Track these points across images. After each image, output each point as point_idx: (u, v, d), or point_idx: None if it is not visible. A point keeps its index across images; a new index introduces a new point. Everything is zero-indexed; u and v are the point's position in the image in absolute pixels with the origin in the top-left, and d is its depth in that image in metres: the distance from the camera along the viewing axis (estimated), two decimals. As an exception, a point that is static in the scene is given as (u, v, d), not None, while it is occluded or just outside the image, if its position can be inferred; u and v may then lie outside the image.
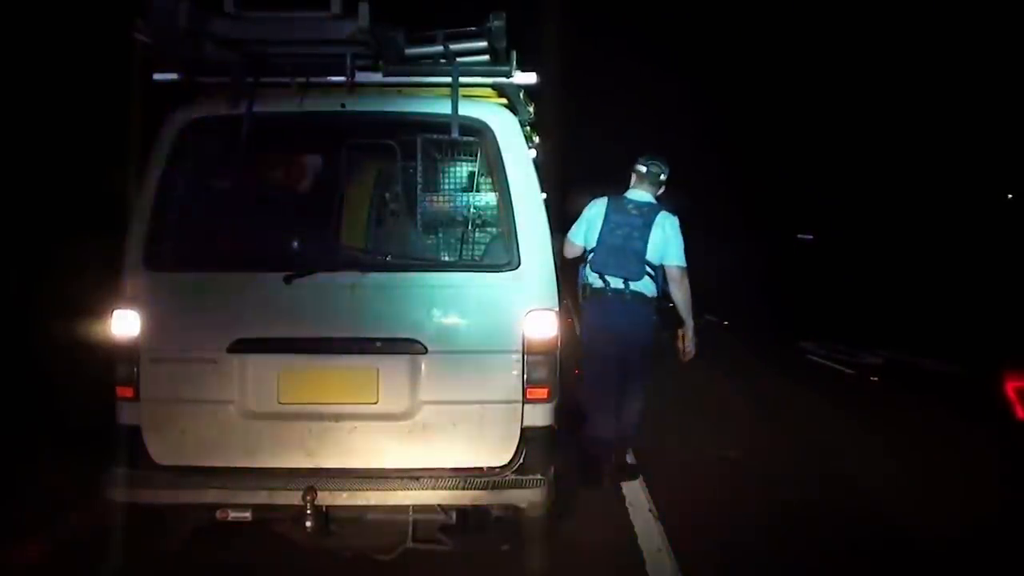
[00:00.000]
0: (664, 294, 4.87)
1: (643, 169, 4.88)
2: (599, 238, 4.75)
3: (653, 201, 4.87)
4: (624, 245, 4.68)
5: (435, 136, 3.53)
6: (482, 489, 3.15)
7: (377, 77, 3.36)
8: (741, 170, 38.33)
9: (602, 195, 4.91)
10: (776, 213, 36.73)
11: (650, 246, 4.69)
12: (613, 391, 4.79)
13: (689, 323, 4.96)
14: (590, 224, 4.83)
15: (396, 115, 3.46)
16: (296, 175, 3.56)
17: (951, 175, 24.69)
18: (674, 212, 4.85)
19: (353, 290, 3.21)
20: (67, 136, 8.34)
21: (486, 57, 3.39)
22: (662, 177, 4.90)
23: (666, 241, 4.74)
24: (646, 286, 4.74)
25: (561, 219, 5.06)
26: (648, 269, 4.71)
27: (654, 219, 4.71)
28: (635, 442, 5.36)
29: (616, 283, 4.71)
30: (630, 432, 5.05)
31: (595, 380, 4.82)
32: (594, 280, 4.78)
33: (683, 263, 4.81)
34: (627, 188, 4.97)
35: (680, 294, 4.84)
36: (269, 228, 3.64)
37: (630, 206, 4.79)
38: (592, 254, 4.78)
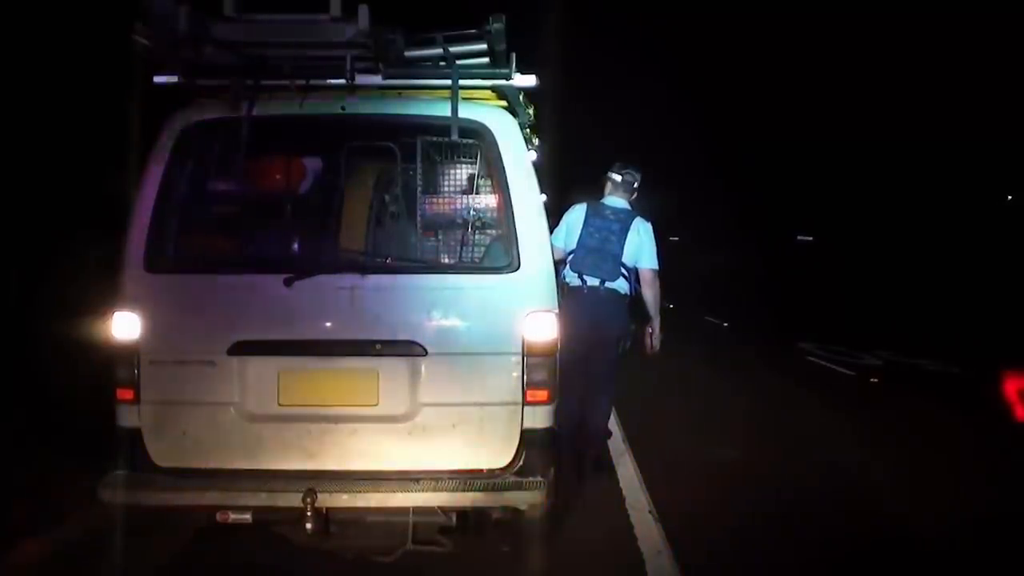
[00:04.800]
0: (636, 294, 5.15)
1: (618, 178, 5.18)
2: (579, 240, 5.01)
3: (628, 207, 5.15)
4: (602, 247, 4.97)
5: (435, 138, 3.53)
6: (482, 491, 3.16)
7: (377, 79, 3.36)
8: (741, 171, 38.37)
9: (580, 202, 5.19)
10: (776, 214, 36.74)
11: (626, 249, 4.98)
12: (578, 386, 4.93)
13: (656, 321, 5.22)
14: (569, 228, 5.10)
15: (396, 117, 3.47)
16: (296, 177, 3.56)
17: (951, 176, 24.71)
18: (648, 218, 5.13)
19: (353, 292, 3.22)
20: (68, 138, 8.35)
21: (486, 60, 3.39)
22: (635, 184, 5.21)
23: (640, 245, 5.04)
24: (620, 285, 5.03)
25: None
26: (623, 270, 5.00)
27: (631, 224, 5.01)
28: (607, 434, 5.50)
29: (593, 282, 4.99)
30: (601, 426, 5.26)
31: (563, 374, 4.90)
32: (572, 279, 5.04)
33: (656, 266, 5.10)
34: (602, 195, 5.23)
35: (651, 294, 5.12)
36: (269, 230, 3.65)
37: (608, 211, 5.07)
38: (572, 255, 5.04)
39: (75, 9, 8.05)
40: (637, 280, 5.12)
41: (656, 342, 5.23)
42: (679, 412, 7.78)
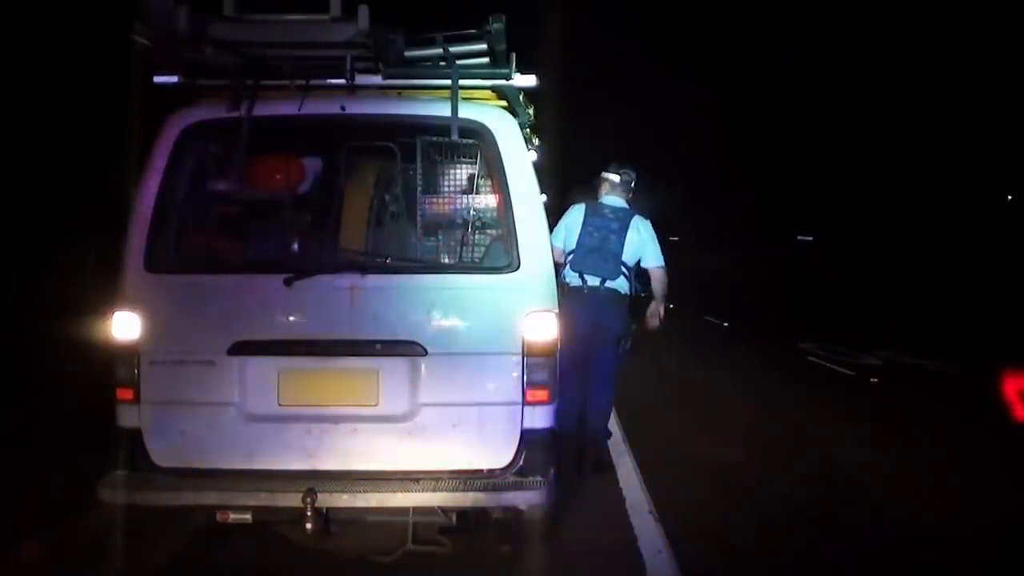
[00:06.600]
0: (636, 293, 5.21)
1: (616, 178, 5.22)
2: (579, 240, 5.04)
3: (627, 206, 5.18)
4: (602, 246, 4.99)
5: (435, 138, 3.53)
6: (482, 491, 3.16)
7: (377, 80, 3.37)
8: (741, 171, 38.39)
9: (579, 202, 5.22)
10: (776, 214, 36.74)
11: (626, 247, 5.01)
12: (578, 386, 4.94)
13: (661, 303, 5.32)
14: (569, 229, 5.12)
15: (396, 117, 3.47)
16: (296, 177, 3.56)
17: (951, 176, 24.71)
18: (646, 216, 5.16)
19: (353, 292, 3.21)
20: (68, 138, 8.36)
21: (486, 60, 3.39)
22: (632, 184, 5.25)
23: (643, 243, 5.09)
24: (620, 284, 5.06)
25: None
26: (623, 269, 5.02)
27: (630, 222, 5.04)
28: (607, 435, 5.51)
29: (593, 281, 5.01)
30: (601, 426, 5.28)
31: (563, 374, 4.92)
32: (573, 279, 5.06)
33: (662, 262, 5.19)
34: (597, 196, 5.26)
35: (660, 287, 5.26)
36: (269, 231, 3.65)
37: (607, 211, 5.11)
38: (571, 256, 5.06)
39: (75, 9, 8.05)
40: (637, 279, 5.15)
41: (655, 319, 5.30)
42: (679, 412, 7.78)
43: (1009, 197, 24.68)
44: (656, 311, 5.30)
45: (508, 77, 3.37)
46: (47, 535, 3.87)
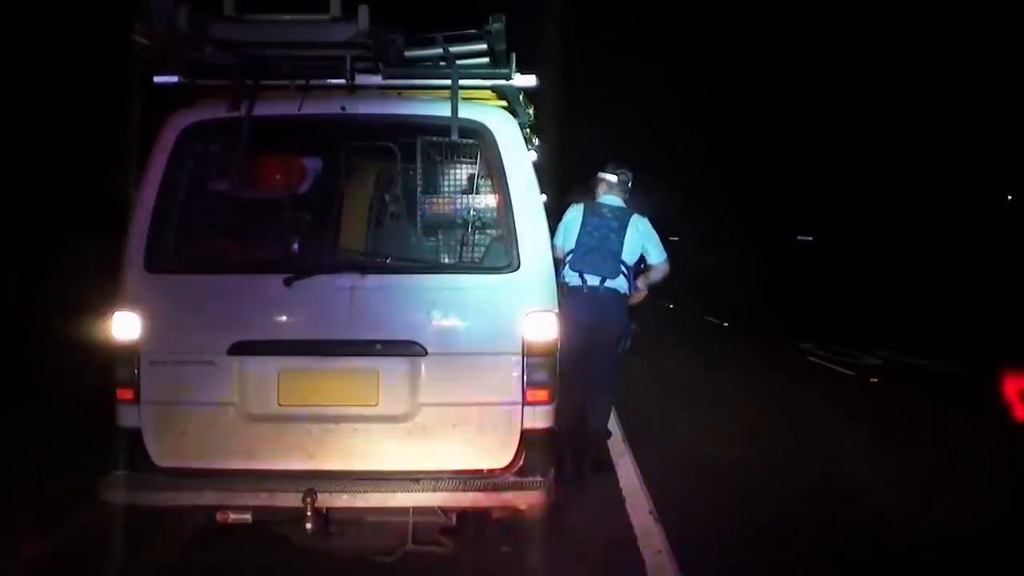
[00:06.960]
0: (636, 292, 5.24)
1: (614, 178, 5.28)
2: (578, 240, 5.07)
3: (624, 205, 5.23)
4: (601, 246, 5.02)
5: (435, 138, 3.53)
6: (482, 491, 3.15)
7: (377, 80, 3.37)
8: (741, 171, 38.40)
9: (577, 202, 5.26)
10: (776, 214, 36.75)
11: (625, 246, 5.04)
12: (578, 386, 4.93)
13: (647, 286, 5.33)
14: (568, 229, 5.16)
15: (396, 117, 3.47)
16: (296, 178, 3.56)
17: (951, 176, 24.73)
18: (644, 214, 5.21)
19: (353, 292, 3.21)
20: (69, 138, 8.36)
21: (486, 60, 3.40)
22: (629, 184, 5.30)
23: (643, 242, 5.12)
24: (620, 284, 5.09)
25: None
26: (623, 268, 5.05)
27: (628, 221, 5.08)
28: (607, 434, 5.52)
29: (593, 280, 5.03)
30: (601, 426, 5.29)
31: (563, 374, 4.93)
32: (572, 279, 5.08)
33: (665, 255, 5.24)
34: (594, 197, 5.30)
35: (658, 276, 5.32)
36: (269, 231, 3.65)
37: (605, 210, 5.15)
38: (571, 255, 5.08)
39: (75, 9, 8.05)
40: (636, 278, 5.17)
41: (640, 296, 5.31)
42: (679, 412, 7.77)
43: (1009, 197, 24.70)
44: (642, 289, 5.31)
45: (508, 77, 3.37)
46: (47, 535, 3.87)
